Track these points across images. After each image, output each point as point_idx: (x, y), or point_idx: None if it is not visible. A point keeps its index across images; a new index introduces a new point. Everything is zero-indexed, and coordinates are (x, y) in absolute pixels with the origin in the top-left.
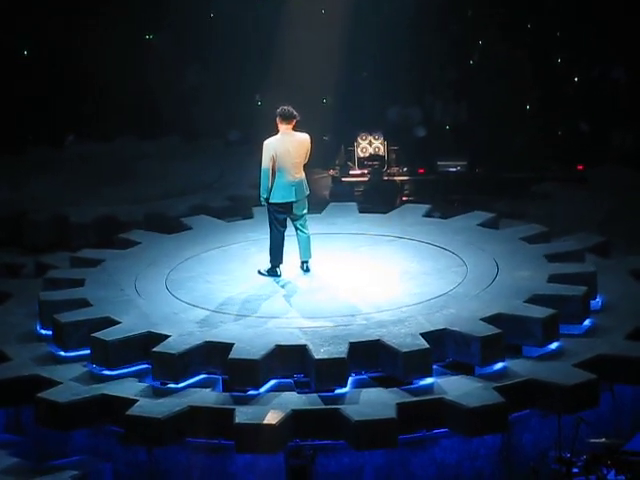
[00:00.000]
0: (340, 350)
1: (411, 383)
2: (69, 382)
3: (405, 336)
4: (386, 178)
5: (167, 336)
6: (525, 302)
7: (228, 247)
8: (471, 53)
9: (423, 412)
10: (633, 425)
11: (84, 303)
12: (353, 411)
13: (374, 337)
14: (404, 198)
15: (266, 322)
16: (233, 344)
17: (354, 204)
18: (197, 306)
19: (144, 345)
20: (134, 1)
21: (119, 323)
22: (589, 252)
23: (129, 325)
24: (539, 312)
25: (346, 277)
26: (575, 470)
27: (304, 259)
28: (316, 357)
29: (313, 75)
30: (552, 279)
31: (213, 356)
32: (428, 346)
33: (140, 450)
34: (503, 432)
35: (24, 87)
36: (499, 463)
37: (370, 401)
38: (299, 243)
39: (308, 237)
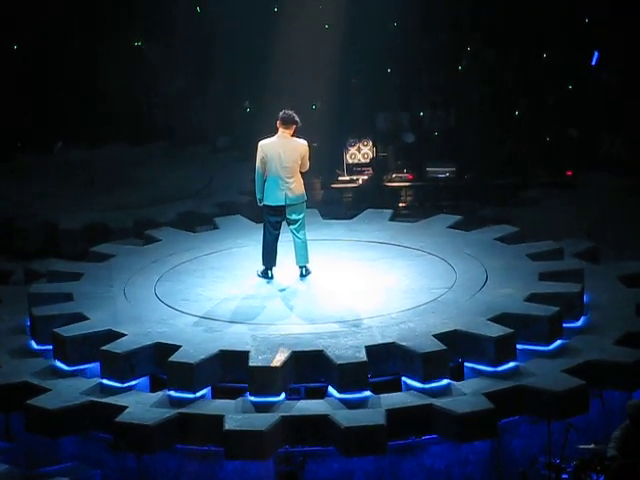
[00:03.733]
0: (278, 358)
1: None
2: (59, 389)
3: (349, 348)
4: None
5: (124, 335)
6: (489, 320)
7: (239, 249)
8: (459, 59)
9: (412, 418)
10: None
11: (68, 297)
12: (342, 417)
13: (319, 347)
14: (401, 204)
15: (226, 326)
16: (180, 346)
17: (390, 211)
18: (172, 307)
19: (103, 343)
20: (124, 8)
21: (88, 319)
22: (578, 257)
23: (95, 322)
24: (495, 331)
25: (335, 286)
26: (564, 476)
27: (299, 264)
28: (251, 364)
29: (302, 81)
30: (531, 298)
31: (161, 358)
32: (365, 359)
33: (129, 457)
34: (493, 438)
35: (13, 94)
36: (489, 469)
37: (359, 407)
38: (294, 248)
39: (303, 242)
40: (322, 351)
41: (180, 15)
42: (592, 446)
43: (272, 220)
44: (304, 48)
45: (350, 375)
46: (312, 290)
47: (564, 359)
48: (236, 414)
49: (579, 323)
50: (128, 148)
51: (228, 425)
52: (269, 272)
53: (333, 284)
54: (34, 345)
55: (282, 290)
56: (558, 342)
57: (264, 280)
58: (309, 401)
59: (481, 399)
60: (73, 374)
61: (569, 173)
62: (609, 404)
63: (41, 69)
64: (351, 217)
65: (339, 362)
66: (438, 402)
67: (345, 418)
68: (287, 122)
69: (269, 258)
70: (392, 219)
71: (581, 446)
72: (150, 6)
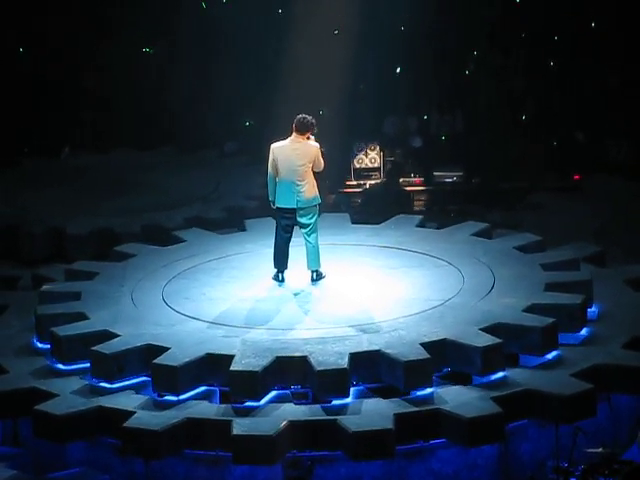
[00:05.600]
0: (259, 363)
1: (408, 393)
2: (66, 394)
3: (332, 355)
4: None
5: (118, 335)
6: (482, 329)
7: (262, 250)
8: (466, 63)
9: (420, 423)
10: (630, 435)
11: (76, 297)
12: (350, 422)
13: (304, 353)
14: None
15: (221, 329)
16: (168, 349)
17: (419, 217)
18: (174, 308)
19: (98, 343)
20: (132, 14)
21: (88, 319)
22: (585, 262)
23: (94, 322)
24: (483, 341)
25: (342, 292)
26: None
27: (310, 268)
28: (232, 368)
29: (310, 86)
30: (531, 308)
31: (150, 359)
32: (345, 367)
33: (137, 462)
34: (500, 442)
35: (20, 99)
36: (497, 473)
37: (367, 412)
38: (306, 252)
39: (313, 247)
40: (305, 357)
41: (185, 20)
42: (600, 450)
43: (283, 223)
44: (312, 53)
45: (329, 382)
46: (317, 295)
47: (571, 363)
48: (244, 419)
49: (583, 332)
50: (135, 153)
51: (236, 430)
52: (280, 275)
53: (341, 290)
54: (38, 344)
55: (288, 294)
56: (565, 345)
57: (275, 283)
58: (315, 406)
59: (489, 403)
60: (74, 374)
61: (576, 177)
62: (617, 408)
63: (46, 73)
64: (379, 222)
65: (319, 368)
66: (446, 406)
67: (353, 423)
68: (302, 130)
69: (280, 261)
70: (420, 225)
71: (589, 450)
72: (156, 10)
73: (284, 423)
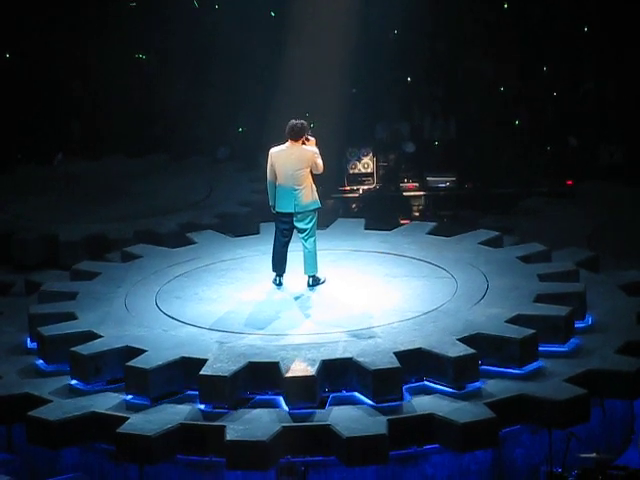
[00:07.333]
0: (230, 368)
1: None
2: (60, 400)
3: (304, 361)
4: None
5: (101, 336)
6: (460, 340)
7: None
8: (459, 69)
9: (414, 428)
10: (624, 439)
11: (72, 297)
12: (344, 427)
13: (276, 359)
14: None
15: (203, 333)
16: (145, 351)
17: (432, 224)
18: (162, 310)
19: (82, 344)
20: (123, 21)
21: (76, 319)
22: (578, 266)
23: (81, 323)
24: (456, 350)
25: (334, 299)
26: None
27: (306, 274)
28: (201, 372)
29: (302, 91)
30: (515, 319)
31: (127, 362)
32: (314, 374)
33: (131, 467)
34: (494, 447)
35: (12, 106)
36: (490, 478)
37: (361, 417)
38: (303, 257)
39: (309, 252)
40: (277, 363)
41: (178, 26)
42: (594, 455)
43: (281, 227)
44: (304, 58)
45: (297, 388)
46: (309, 301)
47: (565, 368)
48: (237, 424)
49: (577, 338)
50: (127, 160)
51: (230, 435)
52: (278, 279)
53: (336, 297)
54: (32, 345)
55: (281, 299)
56: (558, 350)
57: (273, 287)
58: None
59: (483, 409)
60: (61, 374)
61: (569, 182)
62: (610, 413)
63: (39, 81)
64: (390, 228)
65: (287, 375)
66: (440, 412)
67: (347, 428)
68: (295, 136)
69: (278, 265)
70: (431, 232)
71: (583, 455)
72: (148, 18)
73: (278, 428)
